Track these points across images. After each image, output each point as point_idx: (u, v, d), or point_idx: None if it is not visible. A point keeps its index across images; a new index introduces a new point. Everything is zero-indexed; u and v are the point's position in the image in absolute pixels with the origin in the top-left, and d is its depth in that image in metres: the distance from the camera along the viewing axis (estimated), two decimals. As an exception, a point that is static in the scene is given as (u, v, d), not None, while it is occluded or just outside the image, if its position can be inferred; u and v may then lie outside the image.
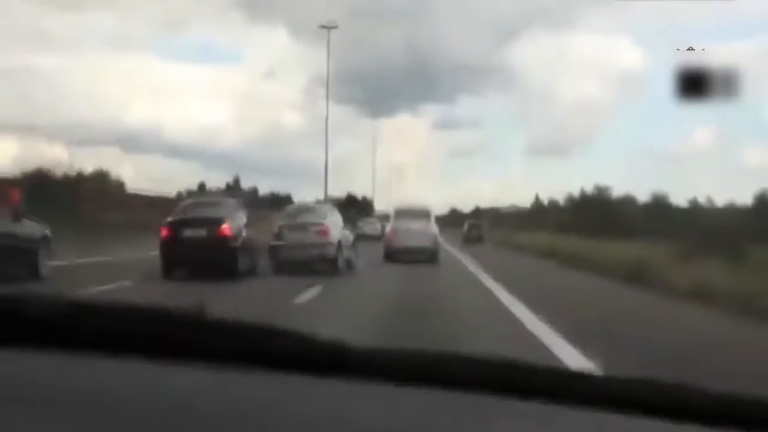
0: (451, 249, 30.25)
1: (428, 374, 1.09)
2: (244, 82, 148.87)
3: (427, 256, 20.86)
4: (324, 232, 16.99)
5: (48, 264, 13.90)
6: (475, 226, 48.09)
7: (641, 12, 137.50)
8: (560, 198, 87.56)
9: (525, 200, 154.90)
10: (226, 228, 14.80)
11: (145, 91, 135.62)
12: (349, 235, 18.87)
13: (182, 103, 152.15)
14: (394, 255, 21.17)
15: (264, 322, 1.16)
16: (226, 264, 14.50)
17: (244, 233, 15.42)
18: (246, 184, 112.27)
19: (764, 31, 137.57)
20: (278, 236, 17.13)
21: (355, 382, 1.07)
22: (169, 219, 15.23)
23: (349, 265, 17.94)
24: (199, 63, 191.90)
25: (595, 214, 63.37)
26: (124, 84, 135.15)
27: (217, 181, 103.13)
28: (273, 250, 17.01)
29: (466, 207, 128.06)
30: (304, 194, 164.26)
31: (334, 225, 17.72)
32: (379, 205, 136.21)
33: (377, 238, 51.51)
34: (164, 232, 14.90)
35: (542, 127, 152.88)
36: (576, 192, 75.10)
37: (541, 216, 74.32)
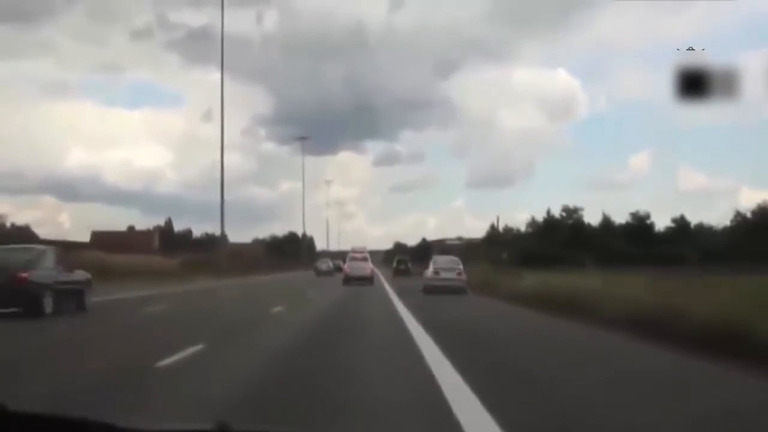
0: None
1: None
2: (182, 126, 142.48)
3: (368, 281, 37.44)
4: (461, 273, 29.36)
5: (91, 300, 18.57)
6: (402, 261, 53.88)
7: (575, 42, 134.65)
8: (518, 225, 79.44)
9: (470, 232, 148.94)
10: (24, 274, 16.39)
11: (83, 138, 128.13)
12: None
13: (121, 149, 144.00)
14: (349, 280, 37.58)
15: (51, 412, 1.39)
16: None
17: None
18: (182, 226, 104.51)
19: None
20: (435, 273, 29.30)
21: None
22: None
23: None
24: (137, 108, 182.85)
25: (572, 239, 54.45)
26: (61, 131, 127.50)
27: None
28: (428, 281, 29.39)
29: (411, 241, 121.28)
30: (242, 235, 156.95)
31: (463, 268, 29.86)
32: (320, 243, 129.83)
33: (329, 273, 58.01)
34: None
35: (484, 158, 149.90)
36: (538, 216, 66.68)
37: (498, 246, 64.25)
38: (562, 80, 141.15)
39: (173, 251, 69.52)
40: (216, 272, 44.51)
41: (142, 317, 17.43)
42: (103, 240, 71.00)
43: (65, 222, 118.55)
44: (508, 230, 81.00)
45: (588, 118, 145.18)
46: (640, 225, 60.02)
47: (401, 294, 27.34)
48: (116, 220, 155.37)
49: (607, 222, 61.70)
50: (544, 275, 24.59)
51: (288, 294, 28.45)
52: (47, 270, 16.85)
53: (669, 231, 60.76)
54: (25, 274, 16.06)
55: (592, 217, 62.43)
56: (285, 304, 20.93)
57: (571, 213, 62.59)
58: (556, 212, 63.26)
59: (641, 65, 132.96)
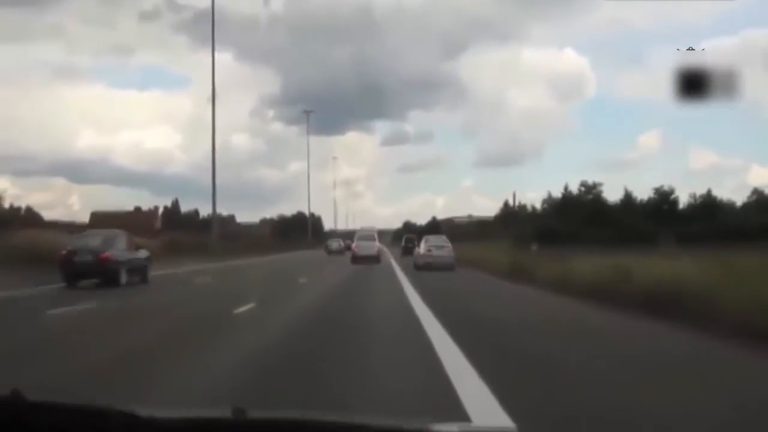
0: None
1: None
2: (191, 107, 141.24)
3: (375, 260, 37.63)
4: (450, 250, 32.70)
5: (151, 273, 22.81)
6: (410, 240, 55.07)
7: (583, 22, 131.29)
8: (531, 202, 76.16)
9: (480, 211, 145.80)
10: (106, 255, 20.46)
11: (93, 120, 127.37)
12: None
13: (131, 131, 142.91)
14: (357, 259, 38.01)
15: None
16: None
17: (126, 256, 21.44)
18: (191, 206, 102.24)
19: (705, 36, 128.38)
20: (428, 251, 32.50)
21: None
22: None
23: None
24: (146, 89, 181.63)
25: (593, 217, 50.96)
26: (72, 114, 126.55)
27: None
28: (420, 258, 32.64)
29: (421, 220, 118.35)
30: (252, 215, 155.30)
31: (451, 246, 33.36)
32: (329, 222, 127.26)
33: (340, 252, 58.99)
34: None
35: (493, 138, 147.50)
36: (555, 192, 63.32)
37: (516, 225, 59.85)
38: (570, 60, 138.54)
39: (178, 231, 66.99)
40: (205, 254, 41.39)
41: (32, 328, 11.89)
42: (102, 221, 68.55)
43: (75, 203, 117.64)
44: (521, 207, 77.73)
45: (596, 97, 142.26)
46: (664, 201, 56.74)
47: (408, 271, 29.01)
48: (125, 201, 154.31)
49: (628, 198, 58.19)
50: (606, 257, 18.05)
51: (274, 280, 24.70)
52: (121, 250, 21.18)
53: (690, 207, 57.48)
54: (106, 254, 20.34)
55: (608, 195, 58.93)
56: (257, 299, 15.84)
57: (590, 189, 59.06)
58: (574, 188, 59.73)
59: (648, 45, 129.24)
